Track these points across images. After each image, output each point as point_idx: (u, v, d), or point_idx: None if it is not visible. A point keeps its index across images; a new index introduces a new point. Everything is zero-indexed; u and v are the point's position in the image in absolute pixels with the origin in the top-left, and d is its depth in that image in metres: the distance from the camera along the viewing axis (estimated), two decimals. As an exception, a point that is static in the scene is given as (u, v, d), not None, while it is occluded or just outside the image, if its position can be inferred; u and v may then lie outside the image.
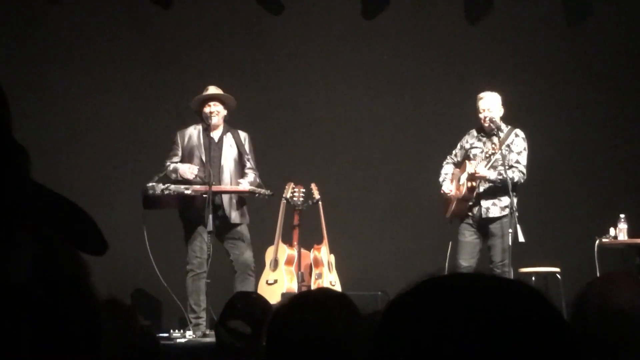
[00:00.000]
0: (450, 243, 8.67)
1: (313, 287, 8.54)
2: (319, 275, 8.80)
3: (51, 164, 9.57)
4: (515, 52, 10.81)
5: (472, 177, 8.44)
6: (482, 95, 8.58)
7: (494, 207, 8.41)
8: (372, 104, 10.69)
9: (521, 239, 8.18)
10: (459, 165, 8.71)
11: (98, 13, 10.29)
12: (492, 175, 8.37)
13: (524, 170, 8.42)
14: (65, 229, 1.48)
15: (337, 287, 8.61)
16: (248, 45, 10.56)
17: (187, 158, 8.57)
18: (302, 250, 8.82)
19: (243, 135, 8.68)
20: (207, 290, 8.26)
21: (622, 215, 9.09)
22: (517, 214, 8.19)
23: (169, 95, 10.18)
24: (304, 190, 8.86)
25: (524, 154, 8.47)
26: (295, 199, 8.79)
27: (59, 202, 1.58)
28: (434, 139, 9.96)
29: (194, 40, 10.50)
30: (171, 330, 8.38)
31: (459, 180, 8.61)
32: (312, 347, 2.33)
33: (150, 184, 8.38)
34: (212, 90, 8.62)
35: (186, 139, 8.62)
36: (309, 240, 8.93)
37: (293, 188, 8.83)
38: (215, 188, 8.30)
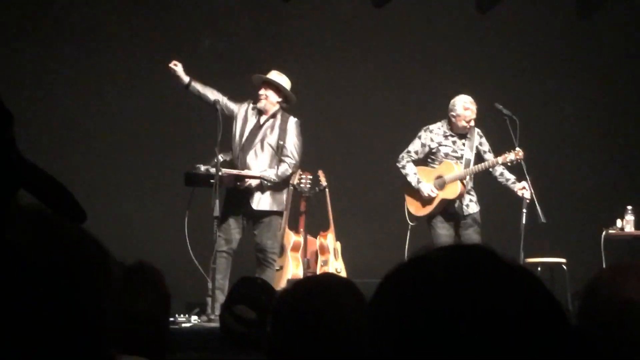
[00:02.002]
0: (407, 242, 8.69)
1: (318, 273, 8.54)
2: (325, 262, 8.80)
3: (60, 154, 9.59)
4: (525, 44, 10.78)
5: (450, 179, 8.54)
6: (472, 105, 8.60)
7: (472, 203, 8.68)
8: (380, 92, 10.67)
9: (542, 219, 8.28)
10: (418, 162, 8.75)
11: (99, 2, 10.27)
12: (467, 171, 8.59)
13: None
14: (47, 199, 1.47)
15: (343, 274, 8.60)
16: (257, 32, 10.54)
17: (232, 133, 8.48)
18: (309, 237, 8.82)
19: (292, 121, 8.54)
20: (233, 275, 8.13)
21: (629, 207, 9.08)
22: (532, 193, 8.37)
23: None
24: (311, 177, 8.84)
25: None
26: (302, 185, 8.77)
27: (41, 175, 1.57)
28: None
29: (202, 27, 10.48)
30: (176, 315, 8.38)
31: (438, 179, 8.61)
32: (317, 332, 2.31)
33: (197, 165, 8.32)
34: (272, 74, 8.56)
35: (239, 112, 8.51)
36: (315, 227, 8.92)
37: (300, 175, 8.81)
38: (227, 171, 8.24)
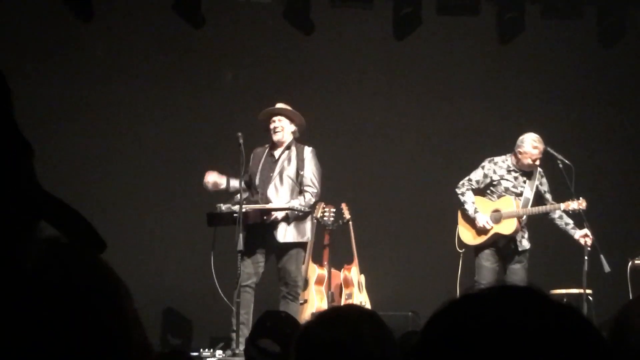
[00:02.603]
0: (460, 268, 8.70)
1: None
2: (349, 296, 8.77)
3: (82, 185, 9.64)
4: (547, 74, 10.77)
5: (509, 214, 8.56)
6: (539, 143, 8.58)
7: (524, 240, 8.68)
8: (403, 123, 10.68)
9: (607, 269, 8.38)
10: (477, 193, 8.73)
11: (130, 33, 10.36)
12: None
13: None
14: (66, 230, 1.48)
15: (367, 307, 8.57)
16: (278, 65, 10.59)
17: (250, 175, 8.42)
18: (332, 270, 8.80)
19: (307, 150, 8.44)
20: (256, 309, 8.09)
21: (654, 237, 9.02)
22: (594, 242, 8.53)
23: (200, 115, 10.23)
24: (334, 210, 8.83)
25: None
26: (325, 218, 8.77)
27: (61, 206, 1.58)
28: (466, 160, 9.91)
29: (224, 59, 10.55)
30: (201, 350, 8.36)
31: (495, 212, 8.61)
32: (343, 363, 2.30)
33: (218, 205, 8.29)
34: (278, 106, 8.49)
35: (252, 157, 8.46)
36: (339, 260, 8.90)
37: (324, 208, 8.81)
38: (250, 207, 8.17)
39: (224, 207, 8.22)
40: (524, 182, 8.66)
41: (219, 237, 8.10)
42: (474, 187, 8.75)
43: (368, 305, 8.69)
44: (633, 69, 10.80)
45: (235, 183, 8.35)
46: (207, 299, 8.52)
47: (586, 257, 8.53)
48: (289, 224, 8.23)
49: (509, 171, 8.69)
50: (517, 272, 8.56)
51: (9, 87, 1.50)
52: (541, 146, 8.60)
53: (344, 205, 8.99)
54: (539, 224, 8.90)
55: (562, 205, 8.54)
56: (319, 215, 8.73)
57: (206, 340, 8.86)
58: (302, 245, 8.36)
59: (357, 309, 2.65)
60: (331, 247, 8.79)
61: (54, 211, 1.62)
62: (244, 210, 8.04)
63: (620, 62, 10.79)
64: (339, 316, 2.46)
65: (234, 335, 8.09)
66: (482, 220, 8.61)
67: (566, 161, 8.75)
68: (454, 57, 10.76)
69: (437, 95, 10.67)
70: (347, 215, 8.92)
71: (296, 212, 8.18)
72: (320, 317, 2.45)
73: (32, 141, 2.30)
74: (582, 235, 8.56)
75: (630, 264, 9.00)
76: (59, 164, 9.92)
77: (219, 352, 8.27)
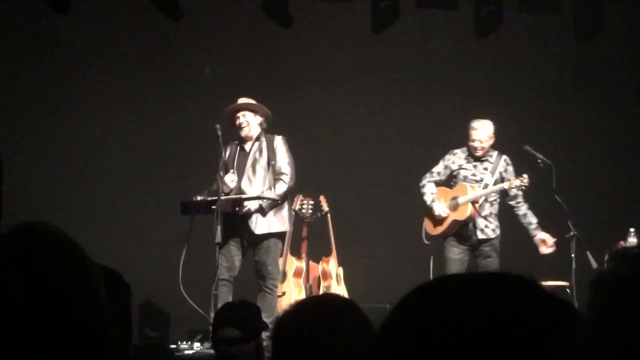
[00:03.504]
0: (432, 258, 8.73)
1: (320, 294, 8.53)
2: (327, 288, 8.79)
3: (60, 179, 9.60)
4: (524, 68, 10.81)
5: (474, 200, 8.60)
6: (475, 125, 8.73)
7: (487, 229, 8.66)
8: (381, 117, 10.69)
9: (594, 265, 8.44)
10: (441, 184, 8.79)
11: (107, 25, 10.32)
12: (481, 192, 8.62)
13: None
14: None
15: (345, 300, 8.56)
16: (257, 58, 10.58)
17: (224, 172, 8.43)
18: (311, 262, 8.81)
19: (277, 139, 8.44)
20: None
21: (631, 230, 9.05)
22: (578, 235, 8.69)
23: (178, 109, 10.20)
24: (312, 202, 8.84)
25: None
26: (304, 211, 8.78)
27: None
28: (443, 152, 9.94)
29: (203, 52, 10.52)
30: (179, 342, 8.36)
31: (453, 200, 8.65)
32: (320, 353, 2.29)
33: (194, 196, 8.29)
34: (240, 101, 8.50)
35: (226, 154, 8.47)
36: (317, 253, 8.91)
37: (302, 200, 8.82)
38: (224, 197, 8.18)
39: (198, 197, 8.24)
40: (485, 169, 8.70)
41: (197, 231, 8.10)
42: (435, 179, 8.81)
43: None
44: (610, 63, 10.85)
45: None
46: (185, 292, 8.51)
47: (573, 255, 8.61)
48: (264, 215, 8.22)
49: (467, 160, 8.75)
50: (488, 267, 8.55)
51: None
52: (476, 126, 8.66)
53: (322, 198, 9.00)
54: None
55: (506, 184, 8.55)
56: (297, 208, 8.74)
57: (184, 332, 8.84)
58: (279, 236, 8.32)
59: (335, 298, 2.64)
60: (309, 239, 8.80)
61: None
62: (216, 199, 8.06)
63: (598, 57, 10.84)
64: (316, 306, 2.44)
65: (211, 328, 8.07)
66: (439, 208, 8.67)
67: (546, 159, 8.81)
68: (432, 51, 10.77)
69: (415, 89, 10.69)
70: (325, 207, 8.93)
71: (271, 202, 8.17)
72: (297, 307, 2.44)
73: (6, 135, 2.29)
74: (541, 240, 8.65)
75: (607, 256, 9.05)
76: (35, 156, 9.88)
77: (196, 345, 8.27)
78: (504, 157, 8.78)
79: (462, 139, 9.35)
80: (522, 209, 8.70)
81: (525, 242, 9.00)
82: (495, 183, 8.64)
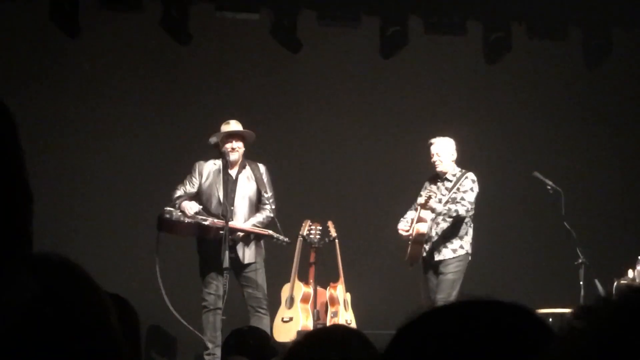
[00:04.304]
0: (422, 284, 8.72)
1: (329, 325, 8.50)
2: (335, 314, 8.75)
3: (68, 200, 9.60)
4: (533, 94, 10.82)
5: (420, 218, 8.53)
6: (432, 140, 8.76)
7: (446, 250, 8.57)
8: (390, 142, 10.69)
9: (602, 292, 8.47)
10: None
11: (117, 49, 10.35)
12: (439, 207, 8.49)
13: (469, 206, 8.57)
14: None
15: (353, 326, 8.54)
16: (266, 83, 10.59)
17: (205, 195, 8.45)
18: (318, 288, 8.78)
19: (262, 168, 8.54)
20: (224, 327, 8.16)
21: (640, 257, 9.04)
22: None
23: (182, 132, 10.21)
24: (320, 228, 8.83)
25: (470, 193, 8.62)
26: (311, 236, 8.76)
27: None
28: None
29: (211, 76, 10.55)
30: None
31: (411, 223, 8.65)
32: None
33: (168, 208, 8.31)
34: (234, 125, 8.50)
35: (205, 175, 8.50)
36: (325, 278, 8.88)
37: (310, 226, 8.80)
38: (232, 225, 8.22)
39: (175, 213, 8.27)
40: (446, 189, 8.66)
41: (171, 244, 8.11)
42: (416, 207, 8.71)
43: (354, 324, 8.67)
44: (619, 89, 10.85)
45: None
46: (192, 316, 8.51)
47: (581, 282, 8.59)
48: (248, 244, 8.37)
49: (434, 182, 8.75)
50: (441, 282, 8.49)
51: (14, 123, 1.50)
52: (434, 143, 8.69)
53: (330, 223, 8.98)
54: (529, 240, 8.88)
55: (420, 200, 8.51)
56: (305, 233, 8.73)
57: (191, 357, 8.82)
58: (262, 261, 8.45)
59: (343, 329, 2.64)
60: (317, 265, 8.78)
61: None
62: (206, 223, 8.18)
63: (606, 83, 10.84)
64: (325, 336, 2.45)
65: (205, 355, 8.17)
66: (400, 226, 8.69)
67: (555, 186, 8.79)
68: (440, 77, 10.78)
69: (423, 115, 10.68)
70: (333, 233, 8.91)
71: (274, 240, 8.34)
72: (307, 337, 2.44)
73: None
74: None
75: (615, 283, 9.02)
76: (40, 177, 9.88)
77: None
78: (468, 174, 8.70)
79: (471, 164, 9.34)
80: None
81: (533, 269, 8.98)
82: (451, 200, 8.54)
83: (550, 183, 8.87)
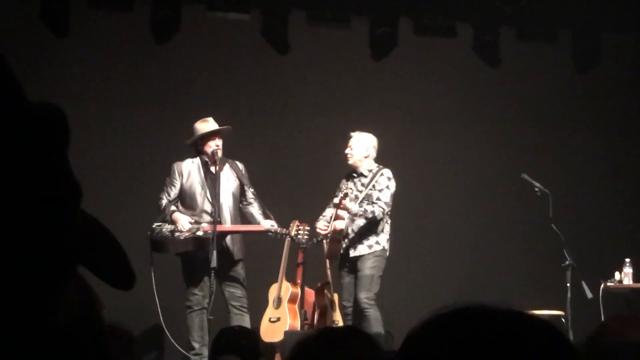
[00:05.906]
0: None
1: (316, 325, 8.51)
2: (322, 315, 8.75)
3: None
4: (522, 96, 10.84)
5: (337, 216, 8.52)
6: (352, 134, 8.82)
7: (361, 246, 8.56)
8: (380, 144, 10.69)
9: (589, 295, 8.43)
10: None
11: (105, 49, 10.32)
12: (355, 207, 8.50)
13: (384, 207, 8.58)
14: (99, 261, 1.50)
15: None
16: (256, 83, 10.58)
17: (187, 194, 8.48)
18: (306, 288, 8.79)
19: (240, 165, 8.65)
20: (210, 327, 8.16)
21: (627, 260, 9.07)
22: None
23: (172, 133, 10.19)
24: (308, 228, 8.83)
25: (386, 192, 8.66)
26: (299, 237, 8.76)
27: (101, 234, 1.60)
28: (440, 179, 9.96)
29: (202, 76, 10.53)
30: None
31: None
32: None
33: (156, 225, 8.33)
34: (214, 123, 8.55)
35: (185, 174, 8.52)
36: (312, 279, 8.89)
37: (298, 226, 8.80)
38: (221, 228, 8.24)
39: (165, 229, 8.32)
40: (362, 185, 8.69)
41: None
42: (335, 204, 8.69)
43: (340, 324, 8.67)
44: (608, 93, 10.89)
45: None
46: (181, 316, 8.51)
47: (568, 284, 8.61)
48: (237, 239, 8.49)
49: (351, 177, 8.78)
50: (360, 280, 8.48)
51: (68, 126, 1.53)
52: (352, 137, 8.79)
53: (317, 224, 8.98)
54: (517, 242, 8.90)
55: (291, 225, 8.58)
56: (293, 234, 8.73)
57: (178, 358, 8.81)
58: (242, 260, 8.53)
59: (356, 332, 2.62)
60: (305, 265, 8.79)
61: (87, 249, 1.64)
62: (200, 233, 8.29)
63: (596, 87, 10.87)
64: (338, 337, 2.44)
65: (192, 355, 8.18)
66: (318, 225, 8.69)
67: (543, 188, 8.81)
68: (431, 79, 10.79)
69: (413, 117, 10.69)
70: (321, 233, 8.90)
71: (270, 234, 8.48)
72: (318, 337, 2.42)
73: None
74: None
75: (602, 286, 9.06)
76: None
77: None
78: (383, 170, 8.73)
79: (463, 166, 9.39)
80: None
81: (521, 271, 9.00)
82: (367, 197, 8.56)
83: (538, 185, 8.90)
